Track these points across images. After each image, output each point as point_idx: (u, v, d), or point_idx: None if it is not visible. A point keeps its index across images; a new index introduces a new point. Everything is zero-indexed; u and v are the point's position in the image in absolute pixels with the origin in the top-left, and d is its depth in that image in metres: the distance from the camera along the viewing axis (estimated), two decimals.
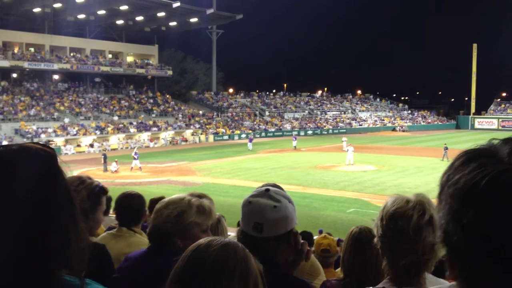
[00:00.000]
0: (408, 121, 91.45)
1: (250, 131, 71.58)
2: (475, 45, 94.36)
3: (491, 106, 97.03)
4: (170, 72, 79.08)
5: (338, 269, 5.05)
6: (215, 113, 76.98)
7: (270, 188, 2.31)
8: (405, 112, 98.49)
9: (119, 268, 2.71)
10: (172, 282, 1.33)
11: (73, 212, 1.35)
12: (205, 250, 1.34)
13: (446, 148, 40.80)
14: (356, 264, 2.90)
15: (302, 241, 2.28)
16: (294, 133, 67.97)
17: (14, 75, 66.71)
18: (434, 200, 2.07)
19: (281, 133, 73.33)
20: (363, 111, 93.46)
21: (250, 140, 54.91)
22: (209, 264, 1.30)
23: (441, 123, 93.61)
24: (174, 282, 1.32)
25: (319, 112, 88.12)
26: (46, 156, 1.37)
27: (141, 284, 2.51)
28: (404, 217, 1.89)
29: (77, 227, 1.35)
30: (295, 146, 53.39)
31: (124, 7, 65.02)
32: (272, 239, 2.19)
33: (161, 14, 69.09)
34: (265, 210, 2.18)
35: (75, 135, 55.87)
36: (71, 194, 1.37)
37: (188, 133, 66.51)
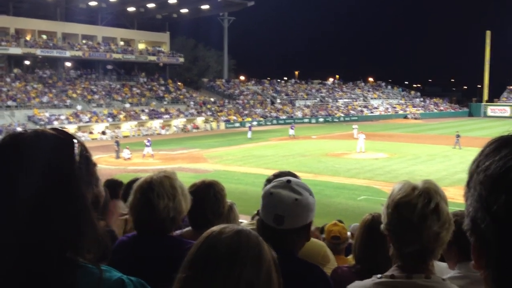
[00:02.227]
0: (420, 108, 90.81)
1: (262, 119, 71.46)
2: (488, 32, 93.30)
3: (504, 93, 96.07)
4: (181, 60, 79.00)
5: (349, 256, 5.09)
6: (226, 101, 76.91)
7: (291, 179, 2.29)
8: (417, 99, 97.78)
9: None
10: (185, 269, 1.34)
11: (82, 200, 1.36)
12: (218, 237, 1.35)
13: (458, 136, 40.38)
14: (367, 251, 2.91)
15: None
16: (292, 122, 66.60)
17: (27, 62, 66.99)
18: (443, 188, 2.09)
19: (292, 121, 73.22)
20: (374, 98, 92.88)
21: (250, 128, 53.75)
22: (222, 251, 1.31)
23: (453, 111, 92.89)
24: (187, 269, 1.34)
25: (330, 100, 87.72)
26: (61, 142, 1.37)
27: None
28: (409, 206, 1.87)
29: (89, 215, 1.36)
30: (293, 135, 51.29)
31: None
32: (292, 231, 2.20)
33: (172, 1, 68.92)
34: (287, 203, 2.17)
35: (87, 122, 56.18)
36: (78, 181, 1.37)
37: (199, 120, 66.58)
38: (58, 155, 1.35)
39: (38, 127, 48.77)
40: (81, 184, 1.36)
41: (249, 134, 51.44)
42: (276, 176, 3.11)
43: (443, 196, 1.92)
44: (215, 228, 1.40)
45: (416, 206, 1.87)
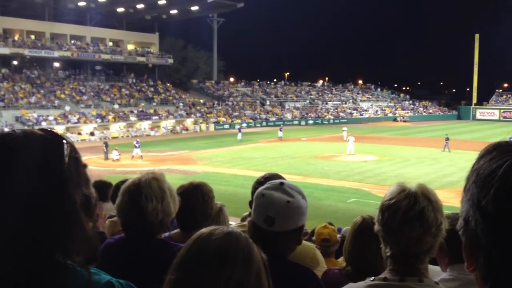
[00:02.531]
0: (409, 111, 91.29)
1: (251, 120, 71.46)
2: (477, 35, 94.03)
3: (493, 96, 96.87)
4: (170, 61, 78.93)
5: (340, 259, 5.07)
6: (215, 102, 76.87)
7: (285, 182, 2.29)
8: (406, 102, 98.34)
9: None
10: (174, 271, 1.33)
11: (72, 201, 1.33)
12: (207, 238, 1.33)
13: (447, 139, 40.59)
14: (358, 253, 2.91)
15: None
16: (281, 124, 65.83)
17: (15, 62, 66.59)
18: (442, 190, 2.06)
19: (282, 123, 73.21)
20: (364, 101, 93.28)
21: (239, 130, 53.52)
22: (211, 252, 1.29)
23: (442, 114, 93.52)
24: (176, 271, 1.32)
25: (320, 102, 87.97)
26: (51, 143, 1.35)
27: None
28: (392, 209, 1.87)
29: (75, 217, 1.33)
30: (280, 137, 51.10)
31: None
32: (282, 234, 2.19)
33: (162, 1, 68.89)
34: (278, 204, 2.17)
35: (76, 123, 55.90)
36: (68, 182, 1.35)
37: (188, 122, 66.49)
38: (48, 156, 1.33)
39: (26, 127, 48.48)
40: (71, 185, 1.34)
41: (239, 136, 51.35)
42: (265, 178, 3.09)
43: (434, 200, 1.90)
44: (205, 230, 1.38)
45: (398, 209, 1.85)
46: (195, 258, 1.31)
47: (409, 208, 1.85)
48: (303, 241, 3.27)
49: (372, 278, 1.94)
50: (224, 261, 1.28)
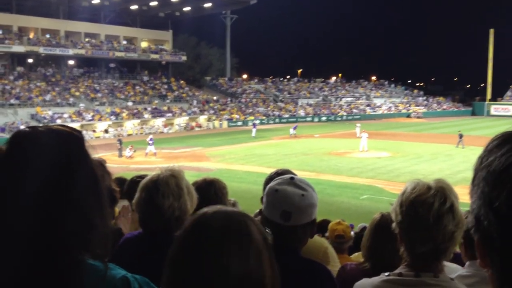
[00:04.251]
0: (423, 107, 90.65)
1: (264, 117, 71.40)
2: (492, 30, 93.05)
3: (507, 92, 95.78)
4: (184, 58, 79.07)
5: (353, 255, 5.08)
6: (229, 99, 76.93)
7: (294, 176, 2.31)
8: (420, 98, 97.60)
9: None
10: (175, 250, 1.25)
11: (99, 197, 1.36)
12: (209, 217, 1.26)
13: (461, 136, 40.20)
14: (376, 250, 2.91)
15: None
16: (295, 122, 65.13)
17: (30, 60, 67.09)
18: (456, 187, 2.06)
19: (295, 119, 73.10)
20: (377, 97, 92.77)
21: (254, 126, 53.46)
22: (212, 230, 1.22)
23: (456, 110, 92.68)
24: (178, 249, 1.24)
25: (333, 98, 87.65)
26: (72, 139, 1.37)
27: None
28: (425, 205, 1.87)
29: (102, 212, 1.35)
30: (295, 134, 50.77)
31: None
32: (298, 227, 2.21)
33: None
34: (293, 199, 2.18)
35: (90, 120, 56.25)
36: (97, 178, 1.37)
37: (202, 119, 66.61)
38: (76, 152, 1.35)
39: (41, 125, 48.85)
40: (100, 179, 1.37)
41: (254, 133, 51.38)
42: (278, 173, 3.10)
43: (456, 195, 1.92)
44: (207, 208, 1.30)
45: (432, 205, 1.86)
46: (196, 236, 1.23)
47: (442, 203, 1.87)
48: (316, 237, 3.28)
49: (387, 273, 1.95)
50: (223, 240, 1.20)
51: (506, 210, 0.84)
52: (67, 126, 1.43)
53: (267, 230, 1.31)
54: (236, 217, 1.26)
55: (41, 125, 1.45)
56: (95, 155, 1.45)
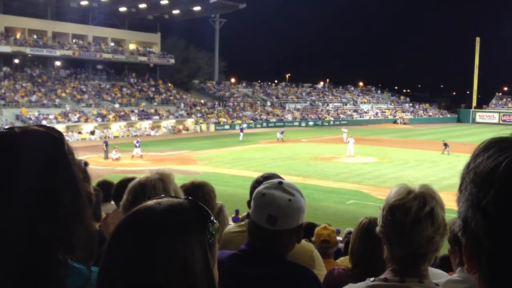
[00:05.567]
0: (409, 113, 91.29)
1: (252, 121, 71.40)
2: (478, 39, 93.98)
3: (493, 100, 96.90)
4: (172, 61, 78.89)
5: (339, 260, 5.09)
6: (216, 103, 76.81)
7: (283, 181, 2.30)
8: (407, 104, 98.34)
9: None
10: (115, 235, 1.17)
11: (78, 198, 1.33)
12: (150, 208, 1.21)
13: (445, 145, 40.29)
14: (364, 255, 2.91)
15: None
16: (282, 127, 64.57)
17: (16, 60, 66.56)
18: (441, 193, 2.08)
19: (282, 124, 73.16)
20: (364, 103, 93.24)
21: (241, 130, 53.35)
22: (153, 220, 1.16)
23: (442, 117, 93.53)
24: (117, 235, 1.17)
25: (320, 103, 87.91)
26: (50, 140, 1.34)
27: None
28: (403, 209, 1.87)
29: (81, 214, 1.33)
30: (282, 138, 50.58)
31: None
32: (284, 232, 2.20)
33: (164, 1, 68.87)
34: (280, 203, 2.18)
35: (76, 122, 55.86)
36: (76, 181, 1.34)
37: (189, 122, 66.45)
38: (54, 153, 1.32)
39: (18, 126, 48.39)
40: (79, 182, 1.34)
41: (241, 137, 51.33)
42: (265, 177, 3.10)
43: (439, 201, 1.92)
44: (150, 201, 1.25)
45: (410, 209, 1.86)
46: (134, 225, 1.17)
47: (420, 208, 1.86)
48: (302, 241, 3.28)
49: (372, 278, 1.95)
50: (163, 230, 1.13)
51: (493, 209, 0.84)
52: (45, 126, 1.39)
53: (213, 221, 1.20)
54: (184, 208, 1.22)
55: (17, 125, 1.41)
56: (77, 157, 1.42)
